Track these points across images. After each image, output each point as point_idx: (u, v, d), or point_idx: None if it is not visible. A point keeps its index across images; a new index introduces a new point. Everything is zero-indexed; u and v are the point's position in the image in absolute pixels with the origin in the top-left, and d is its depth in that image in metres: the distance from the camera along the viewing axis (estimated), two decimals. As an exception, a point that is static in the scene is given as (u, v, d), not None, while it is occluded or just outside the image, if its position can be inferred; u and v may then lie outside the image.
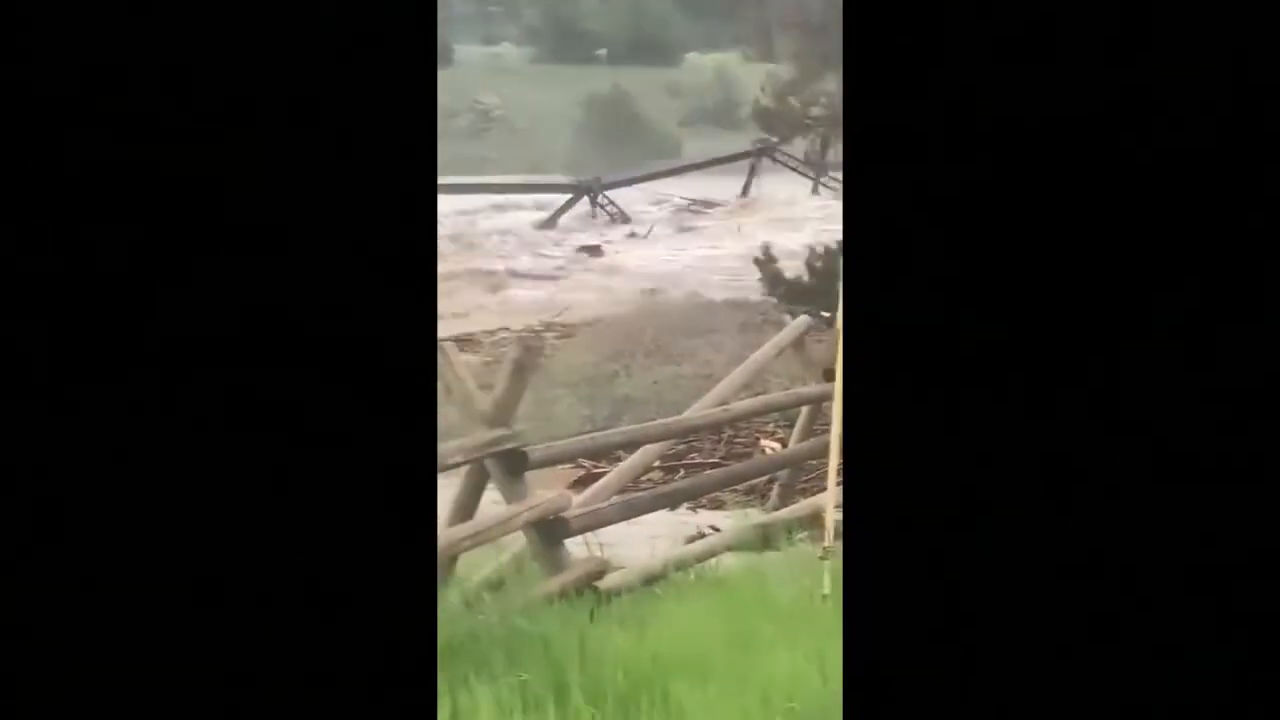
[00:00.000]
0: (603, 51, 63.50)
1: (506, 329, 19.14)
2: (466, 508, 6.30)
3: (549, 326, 18.46)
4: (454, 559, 6.09)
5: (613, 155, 41.39)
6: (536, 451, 6.32)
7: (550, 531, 6.14)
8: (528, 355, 6.36)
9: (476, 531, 6.00)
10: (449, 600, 5.75)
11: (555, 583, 5.94)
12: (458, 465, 6.12)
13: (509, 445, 6.13)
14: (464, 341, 18.32)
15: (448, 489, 6.28)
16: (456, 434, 6.36)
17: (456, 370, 6.32)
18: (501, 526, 6.09)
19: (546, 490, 6.67)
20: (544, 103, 48.03)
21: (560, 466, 9.00)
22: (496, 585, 6.21)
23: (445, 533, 5.89)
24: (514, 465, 6.15)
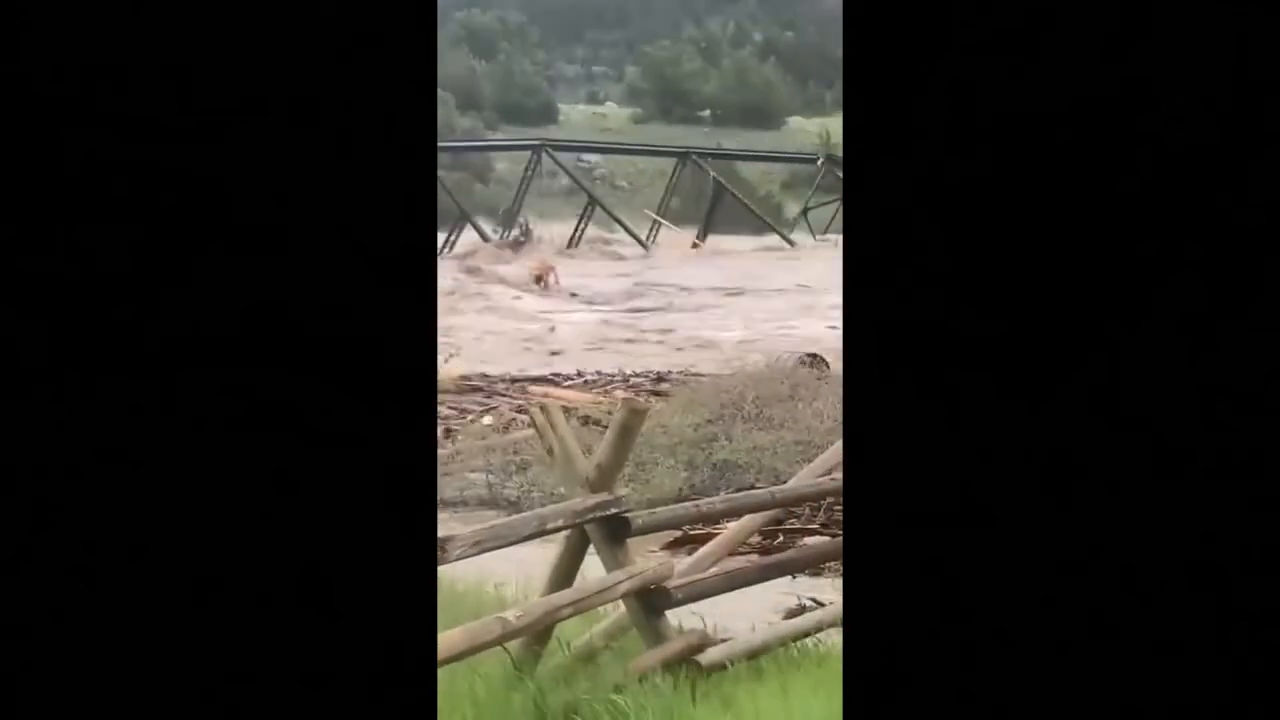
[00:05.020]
0: (706, 113, 64.91)
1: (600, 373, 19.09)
2: (567, 575, 5.99)
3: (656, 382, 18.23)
4: (551, 628, 5.85)
5: (712, 214, 42.63)
6: (639, 518, 6.05)
7: (652, 602, 5.90)
8: (634, 417, 6.07)
9: (576, 600, 5.72)
10: (543, 671, 5.61)
11: (655, 655, 5.74)
12: (559, 530, 5.89)
13: (612, 511, 5.88)
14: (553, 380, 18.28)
15: (547, 554, 6.16)
16: (558, 497, 6.11)
17: (559, 431, 6.10)
18: (602, 595, 5.83)
19: (648, 559, 6.40)
20: (646, 162, 48.40)
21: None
22: (593, 656, 6.02)
23: (544, 600, 5.70)
24: (616, 532, 5.90)
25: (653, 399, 14.57)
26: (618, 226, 41.58)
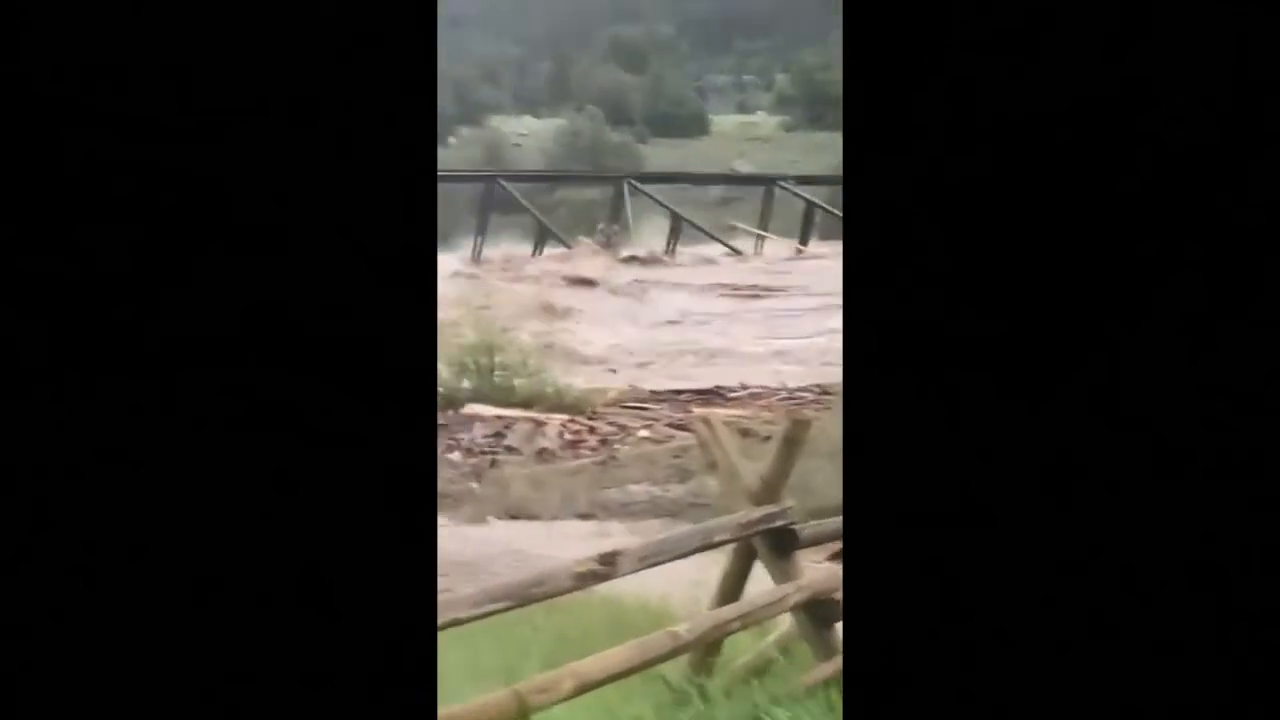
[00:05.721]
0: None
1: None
2: (734, 588, 5.92)
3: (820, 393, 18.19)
4: (720, 641, 5.76)
5: (809, 226, 43.43)
6: (807, 530, 5.95)
7: (821, 614, 5.79)
8: (798, 429, 5.94)
9: (744, 613, 5.60)
10: (713, 685, 5.51)
11: (827, 668, 5.60)
12: (725, 543, 5.77)
13: (779, 523, 5.80)
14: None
15: (714, 568, 6.06)
16: (722, 510, 6.07)
17: (723, 443, 6.01)
18: (771, 608, 5.72)
19: (816, 570, 6.25)
20: (795, 169, 48.32)
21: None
22: (763, 670, 5.94)
23: (713, 614, 5.58)
24: (783, 544, 5.83)
25: (817, 411, 14.50)
26: (732, 237, 42.69)
